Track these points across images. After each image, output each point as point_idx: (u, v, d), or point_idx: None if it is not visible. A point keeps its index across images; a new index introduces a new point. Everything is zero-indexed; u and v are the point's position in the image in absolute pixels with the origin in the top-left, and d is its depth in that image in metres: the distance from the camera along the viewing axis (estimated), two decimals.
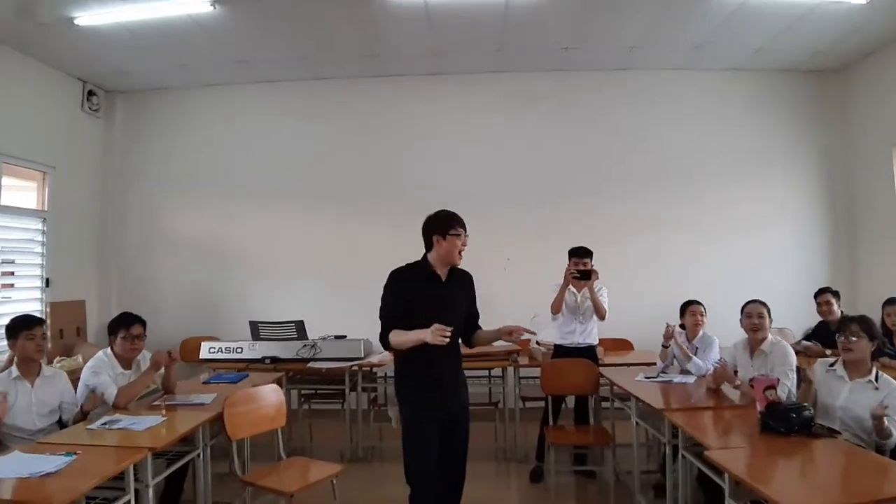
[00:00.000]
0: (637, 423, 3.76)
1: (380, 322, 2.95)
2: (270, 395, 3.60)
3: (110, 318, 3.73)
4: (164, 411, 3.21)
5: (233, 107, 6.66)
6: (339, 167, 6.51)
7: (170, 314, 6.24)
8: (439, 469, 2.90)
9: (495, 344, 3.53)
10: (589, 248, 4.57)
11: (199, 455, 3.24)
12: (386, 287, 2.98)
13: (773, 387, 2.90)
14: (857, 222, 6.24)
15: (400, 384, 3.03)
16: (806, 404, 2.74)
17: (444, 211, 3.02)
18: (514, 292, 5.71)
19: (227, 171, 6.63)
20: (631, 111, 6.40)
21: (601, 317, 4.55)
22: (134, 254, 6.68)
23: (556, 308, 4.54)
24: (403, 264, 3.02)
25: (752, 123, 6.39)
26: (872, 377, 2.96)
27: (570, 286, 4.55)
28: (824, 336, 4.98)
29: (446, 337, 2.68)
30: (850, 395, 2.96)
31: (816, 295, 5.09)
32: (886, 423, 2.71)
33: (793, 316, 5.45)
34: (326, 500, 3.38)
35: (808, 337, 5.15)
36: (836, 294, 5.03)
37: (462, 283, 3.12)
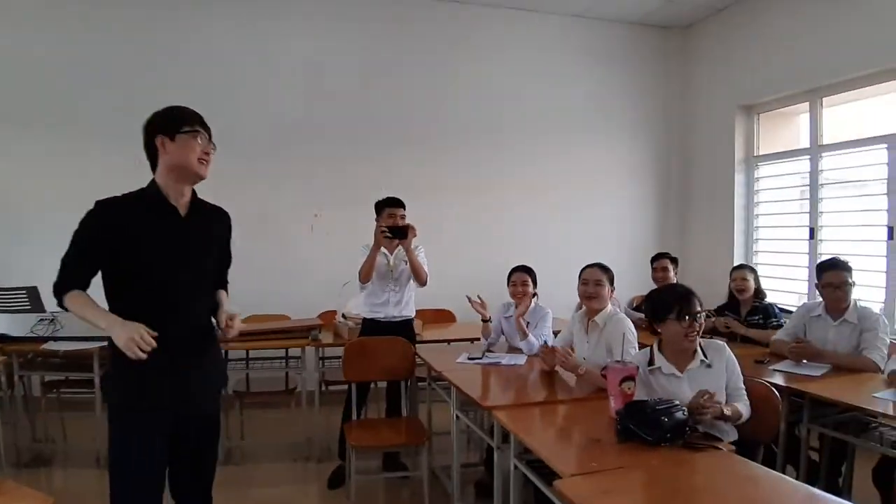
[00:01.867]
0: (458, 416, 3.00)
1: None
2: None
3: None
4: None
5: None
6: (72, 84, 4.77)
7: None
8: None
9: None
10: (401, 199, 3.71)
11: None
12: (81, 223, 1.87)
13: (632, 377, 2.23)
14: (692, 186, 6.03)
15: (110, 369, 1.94)
16: (677, 402, 2.06)
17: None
18: (325, 256, 4.90)
19: None
20: (464, 51, 5.56)
21: (421, 282, 3.72)
22: None
23: (364, 275, 3.62)
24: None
25: (596, 77, 5.89)
26: (702, 356, 2.41)
27: (382, 247, 3.67)
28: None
29: (145, 353, 1.70)
30: (692, 389, 2.37)
31: (653, 260, 4.73)
32: (726, 410, 2.20)
33: (626, 282, 5.09)
34: None
35: (639, 307, 4.78)
36: (674, 260, 4.69)
37: (212, 221, 2.10)
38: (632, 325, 2.94)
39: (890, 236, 4.19)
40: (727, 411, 2.20)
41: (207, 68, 4.93)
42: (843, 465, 3.07)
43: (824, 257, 4.63)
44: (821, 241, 4.81)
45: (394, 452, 3.74)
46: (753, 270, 4.21)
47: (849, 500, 3.00)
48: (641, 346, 2.80)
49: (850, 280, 3.28)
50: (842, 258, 3.37)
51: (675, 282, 4.61)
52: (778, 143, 5.36)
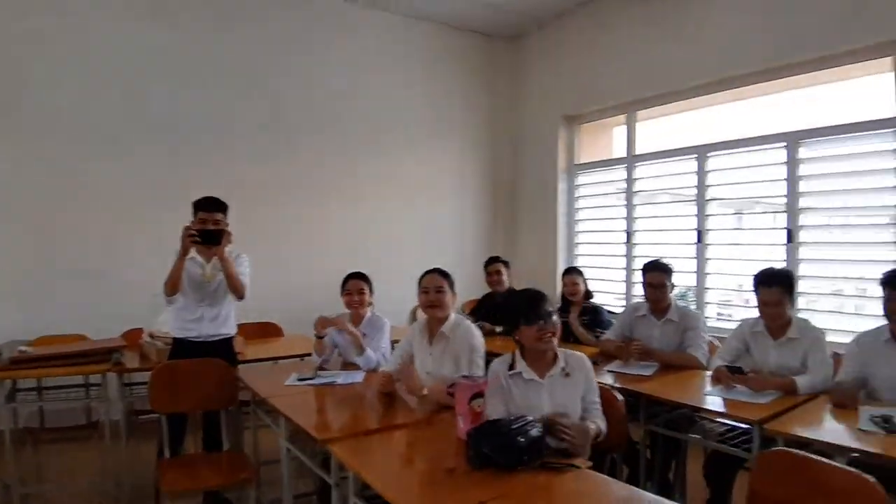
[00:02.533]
0: (288, 448, 2.62)
1: None
2: None
3: None
4: None
5: None
6: None
7: None
8: None
9: None
10: (220, 199, 3.23)
11: None
12: None
13: (482, 394, 2.03)
14: (519, 195, 6.12)
15: None
16: (530, 418, 1.90)
17: None
18: (133, 263, 4.30)
19: None
20: (296, 45, 5.10)
21: (238, 295, 3.23)
22: None
23: (170, 286, 3.08)
24: None
25: (431, 80, 5.76)
26: (563, 364, 2.32)
27: (198, 255, 3.18)
28: (489, 309, 4.60)
29: None
30: (550, 398, 2.27)
31: (487, 264, 4.69)
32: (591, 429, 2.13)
33: (459, 287, 5.01)
34: None
35: (473, 312, 4.71)
36: (505, 264, 4.68)
37: None
38: (480, 335, 2.78)
39: (699, 240, 4.52)
40: (592, 431, 2.13)
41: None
42: (673, 461, 3.18)
43: (640, 260, 4.95)
44: (636, 244, 5.09)
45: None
46: (582, 273, 4.32)
47: (682, 494, 3.15)
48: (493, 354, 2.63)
49: (668, 282, 3.43)
50: (663, 260, 3.52)
51: (507, 285, 4.62)
52: (597, 152, 5.63)
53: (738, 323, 3.24)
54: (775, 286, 2.91)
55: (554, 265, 5.56)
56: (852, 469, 1.59)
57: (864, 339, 2.75)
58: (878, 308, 3.33)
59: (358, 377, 3.04)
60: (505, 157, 6.14)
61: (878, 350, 2.65)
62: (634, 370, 3.17)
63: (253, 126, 4.93)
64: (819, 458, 1.69)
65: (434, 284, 2.81)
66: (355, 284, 3.40)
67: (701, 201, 4.52)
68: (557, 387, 2.27)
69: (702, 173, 4.51)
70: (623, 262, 5.16)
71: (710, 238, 4.50)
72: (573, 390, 2.27)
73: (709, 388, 2.84)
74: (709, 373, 3.03)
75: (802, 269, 3.90)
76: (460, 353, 2.69)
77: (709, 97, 4.53)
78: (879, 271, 3.24)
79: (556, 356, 2.32)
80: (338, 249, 5.09)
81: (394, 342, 3.34)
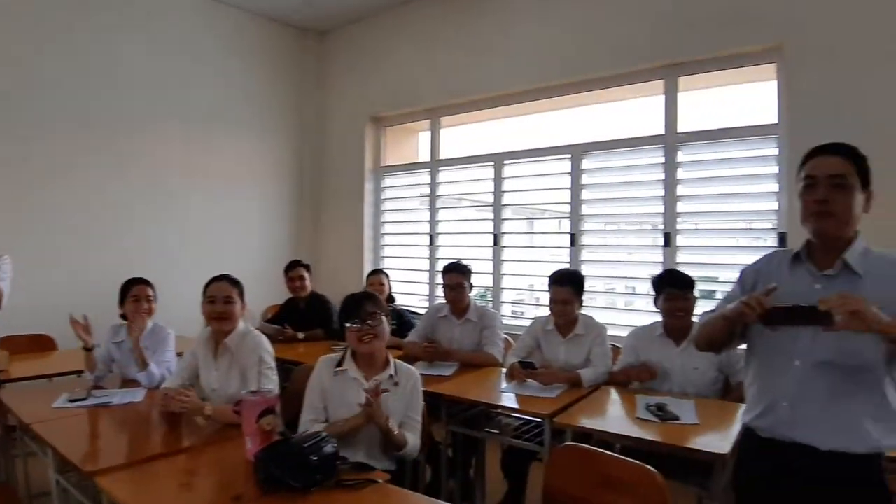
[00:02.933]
0: (58, 481, 2.23)
1: None
2: None
3: None
4: None
5: None
6: None
7: None
8: None
9: None
10: None
11: None
12: None
13: (272, 410, 1.88)
14: (325, 195, 5.96)
15: None
16: (323, 434, 1.79)
17: None
18: None
19: None
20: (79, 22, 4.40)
21: None
22: None
23: None
24: None
25: (237, 71, 5.38)
26: (392, 371, 2.29)
27: None
28: (293, 314, 4.42)
29: None
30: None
31: (288, 269, 4.48)
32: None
33: (261, 292, 4.76)
34: None
35: (274, 319, 4.50)
36: (307, 268, 4.52)
37: None
38: (269, 345, 2.60)
39: (495, 243, 4.74)
40: (400, 440, 2.14)
41: None
42: (473, 457, 3.27)
43: (443, 262, 5.08)
44: (439, 246, 5.21)
45: None
46: (387, 275, 4.32)
47: (482, 489, 3.25)
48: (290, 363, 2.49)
49: (466, 283, 3.55)
50: (462, 262, 3.63)
51: (310, 290, 4.47)
52: (404, 155, 5.68)
53: (531, 321, 3.43)
54: (567, 285, 3.13)
55: (360, 267, 5.51)
56: (636, 462, 1.72)
57: (639, 333, 3.07)
58: (645, 304, 3.77)
59: (137, 395, 2.71)
60: (312, 157, 5.95)
61: (652, 343, 2.98)
62: (436, 371, 3.23)
63: (30, 113, 4.19)
64: (605, 451, 1.82)
65: (222, 294, 2.55)
66: (141, 290, 3.05)
67: (497, 206, 4.76)
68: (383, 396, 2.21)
69: (498, 180, 4.75)
70: (427, 264, 5.26)
71: (505, 241, 4.74)
72: (396, 401, 2.25)
73: (504, 384, 2.97)
74: (504, 369, 3.17)
75: (583, 271, 4.26)
76: (248, 367, 2.48)
77: (509, 108, 4.78)
78: (646, 272, 3.63)
79: (387, 362, 2.30)
80: (119, 251, 4.54)
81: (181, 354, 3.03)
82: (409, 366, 2.38)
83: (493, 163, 4.80)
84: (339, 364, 2.31)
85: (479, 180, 4.94)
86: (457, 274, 3.53)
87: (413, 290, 5.31)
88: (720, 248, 3.89)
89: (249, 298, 2.70)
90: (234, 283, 2.62)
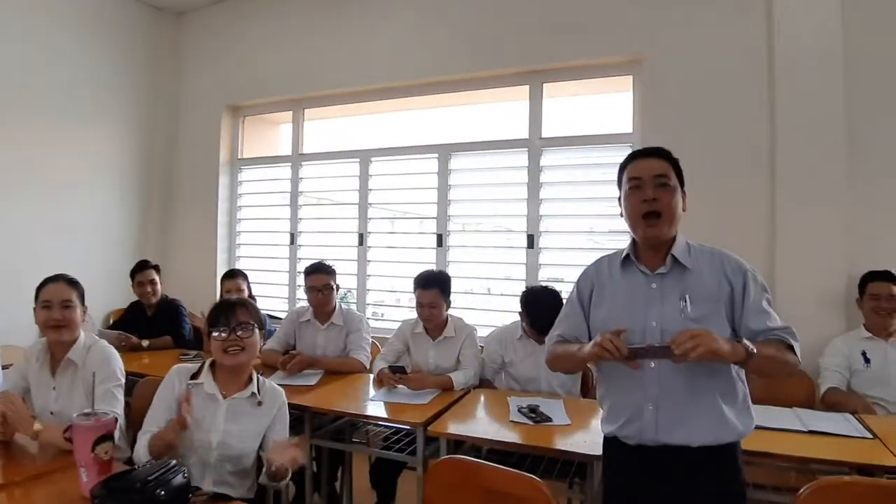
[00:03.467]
0: None
1: None
2: None
3: None
4: None
5: None
6: None
7: None
8: None
9: None
10: None
11: None
12: None
13: (110, 436, 1.61)
14: (176, 189, 5.43)
15: None
16: (172, 463, 1.54)
17: None
18: None
19: None
20: None
21: None
22: None
23: None
24: None
25: (81, 53, 4.70)
26: (255, 388, 2.07)
27: None
28: (139, 320, 4.01)
29: None
30: (226, 422, 2.00)
31: (135, 272, 4.04)
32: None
33: (104, 297, 4.27)
34: None
35: (118, 325, 4.04)
36: (157, 269, 4.09)
37: None
38: (116, 356, 2.28)
39: (360, 242, 4.59)
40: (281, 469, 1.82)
41: None
42: (339, 469, 3.11)
43: (305, 262, 4.84)
44: (300, 246, 4.96)
45: None
46: (246, 277, 4.01)
47: (349, 502, 3.09)
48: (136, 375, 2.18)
49: (332, 284, 3.37)
50: (326, 262, 3.44)
51: (160, 294, 4.06)
52: (263, 148, 5.34)
53: (399, 324, 3.33)
54: (432, 288, 3.05)
55: (212, 268, 5.10)
56: (523, 473, 1.67)
57: (500, 336, 3.08)
58: (504, 304, 3.82)
59: None
60: (163, 148, 5.38)
61: (514, 345, 2.99)
62: (298, 381, 3.01)
63: None
64: (486, 462, 1.75)
65: (59, 297, 2.20)
66: None
67: (363, 205, 4.61)
68: (241, 410, 2.00)
69: (364, 177, 4.60)
70: (287, 264, 4.98)
71: (370, 241, 4.60)
72: (259, 419, 2.02)
73: (373, 392, 2.84)
74: (372, 375, 3.05)
75: (451, 271, 4.23)
76: (95, 385, 2.13)
77: (377, 104, 4.64)
78: (513, 273, 3.66)
79: (250, 379, 2.06)
80: None
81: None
82: (275, 384, 2.14)
83: (358, 159, 4.64)
84: (195, 376, 2.05)
85: (344, 177, 4.75)
86: (323, 275, 3.33)
87: (272, 293, 5.01)
88: (581, 249, 4.03)
89: (90, 303, 2.35)
90: (73, 283, 2.27)
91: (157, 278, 4.06)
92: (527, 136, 4.08)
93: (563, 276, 3.94)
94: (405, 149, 4.52)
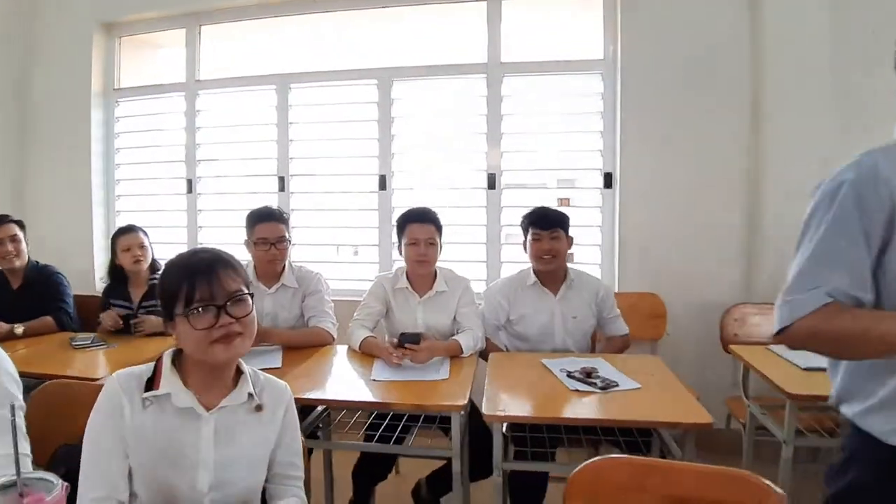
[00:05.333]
0: None
1: None
2: None
3: None
4: None
5: None
6: None
7: None
8: None
9: None
10: None
11: None
12: None
13: None
14: (34, 128, 4.23)
15: None
16: None
17: None
18: None
19: None
20: None
21: None
22: None
23: None
24: None
25: None
26: (250, 388, 1.41)
27: None
28: (2, 296, 3.09)
29: None
30: (216, 440, 1.32)
31: None
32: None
33: None
34: None
35: None
36: (20, 225, 3.14)
37: None
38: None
39: (280, 187, 3.88)
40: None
41: None
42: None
43: (206, 215, 4.05)
44: (200, 194, 4.13)
45: None
46: (146, 233, 3.17)
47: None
48: None
49: (287, 234, 2.71)
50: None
51: (27, 257, 3.15)
52: (145, 77, 4.32)
53: (374, 280, 2.76)
54: (428, 223, 2.57)
55: (88, 224, 4.13)
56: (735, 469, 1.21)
57: (505, 287, 2.68)
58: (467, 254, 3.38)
59: None
60: (17, 77, 4.19)
61: (525, 295, 2.63)
62: (256, 361, 2.35)
63: None
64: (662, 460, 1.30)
65: None
66: None
67: (283, 141, 3.87)
68: (236, 427, 1.32)
69: (283, 108, 3.85)
70: (185, 218, 4.13)
71: (293, 186, 3.91)
72: (258, 437, 1.34)
73: (376, 369, 2.24)
74: (342, 347, 2.51)
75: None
76: None
77: (295, 19, 3.84)
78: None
79: (239, 372, 1.37)
80: None
81: None
82: (277, 379, 1.44)
83: (275, 86, 3.86)
84: (151, 383, 1.28)
85: (257, 109, 3.94)
86: (277, 223, 2.64)
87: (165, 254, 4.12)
88: (545, 188, 3.64)
89: None
90: None
91: (20, 234, 3.12)
92: (485, 61, 3.57)
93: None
94: (336, 73, 3.80)
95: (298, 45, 3.98)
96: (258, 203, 2.79)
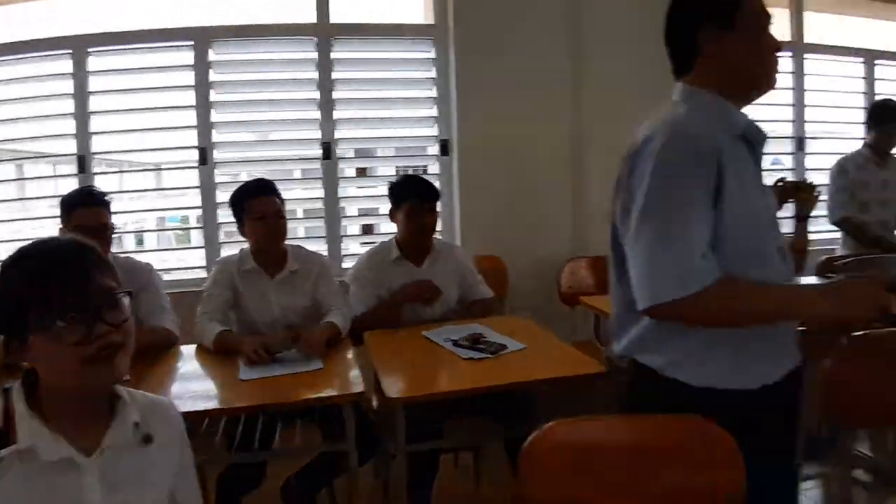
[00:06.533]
0: None
1: None
2: None
3: None
4: None
5: None
6: None
7: None
8: None
9: None
10: None
11: None
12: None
13: None
14: None
15: None
16: None
17: None
18: None
19: None
20: None
21: None
22: None
23: None
24: None
25: None
26: (133, 414, 1.13)
27: None
28: None
29: None
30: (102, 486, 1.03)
31: None
32: None
33: None
34: None
35: None
36: None
37: None
38: None
39: (80, 169, 3.32)
40: None
41: None
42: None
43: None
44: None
45: None
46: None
47: None
48: None
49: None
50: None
51: None
52: None
53: (217, 264, 2.46)
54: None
55: None
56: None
57: (371, 262, 2.57)
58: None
59: None
60: None
61: (391, 269, 2.52)
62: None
63: None
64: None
65: None
66: None
67: (81, 114, 3.29)
68: (123, 470, 1.00)
69: (81, 76, 3.30)
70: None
71: (95, 166, 3.37)
72: (152, 478, 1.05)
73: (243, 372, 1.95)
74: (189, 347, 2.22)
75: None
76: None
77: None
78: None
79: (116, 396, 1.05)
80: None
81: None
82: (156, 397, 1.16)
83: (72, 50, 3.27)
84: (3, 439, 0.93)
85: (48, 79, 3.31)
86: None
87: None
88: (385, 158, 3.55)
89: None
90: None
91: None
92: (314, 21, 3.35)
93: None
94: (143, 34, 3.30)
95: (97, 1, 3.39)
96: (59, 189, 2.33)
